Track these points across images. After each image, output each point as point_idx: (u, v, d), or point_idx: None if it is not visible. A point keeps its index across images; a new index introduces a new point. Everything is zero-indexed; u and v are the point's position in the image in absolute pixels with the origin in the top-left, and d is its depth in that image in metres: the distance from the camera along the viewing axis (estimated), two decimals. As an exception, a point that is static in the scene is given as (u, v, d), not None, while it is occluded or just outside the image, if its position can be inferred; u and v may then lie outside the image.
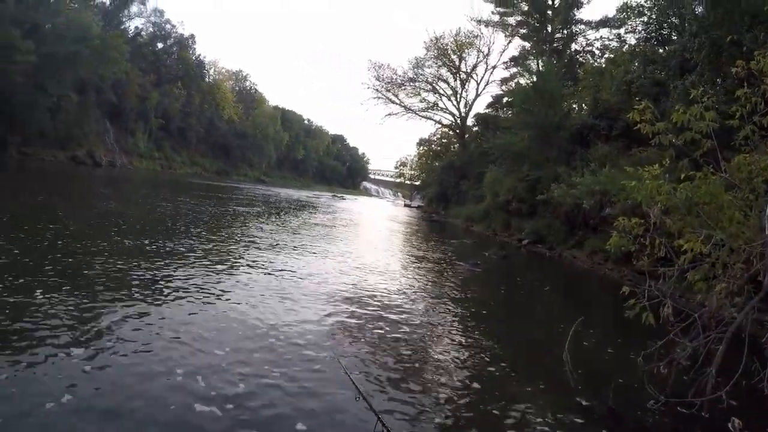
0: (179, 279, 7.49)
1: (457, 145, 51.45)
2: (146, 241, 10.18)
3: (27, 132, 43.89)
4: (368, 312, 7.31)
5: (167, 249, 9.69)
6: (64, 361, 4.22)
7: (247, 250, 11.19)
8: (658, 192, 6.06)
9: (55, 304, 5.55)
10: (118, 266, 7.68)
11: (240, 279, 8.18)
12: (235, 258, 9.98)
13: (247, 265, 9.39)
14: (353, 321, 6.73)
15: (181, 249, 9.91)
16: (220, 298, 6.81)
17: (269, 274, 8.87)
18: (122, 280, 6.96)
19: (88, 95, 51.92)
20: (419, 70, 51.86)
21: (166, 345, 4.91)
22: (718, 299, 5.15)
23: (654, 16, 25.26)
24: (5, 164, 33.85)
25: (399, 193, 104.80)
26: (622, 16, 30.82)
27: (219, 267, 8.80)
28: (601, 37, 37.24)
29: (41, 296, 5.71)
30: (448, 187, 44.13)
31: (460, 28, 49.82)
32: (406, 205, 67.19)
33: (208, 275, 8.00)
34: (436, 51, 50.41)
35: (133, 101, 61.13)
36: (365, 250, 14.79)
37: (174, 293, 6.69)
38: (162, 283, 7.13)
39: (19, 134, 43.16)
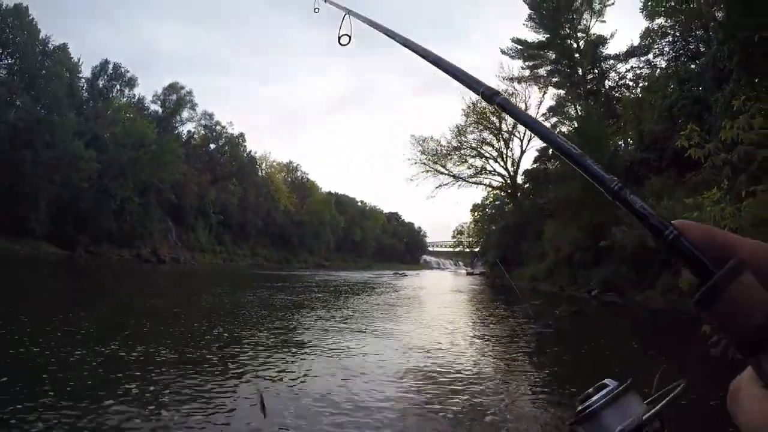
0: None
1: (510, 206, 50.79)
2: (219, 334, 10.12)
3: (94, 233, 47.39)
4: (439, 392, 6.81)
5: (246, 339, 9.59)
6: None
7: (303, 349, 10.94)
8: (722, 216, 5.54)
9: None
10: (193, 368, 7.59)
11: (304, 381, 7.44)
12: (291, 358, 9.69)
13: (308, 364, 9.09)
14: (425, 403, 6.29)
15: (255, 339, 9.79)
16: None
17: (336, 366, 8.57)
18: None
19: (150, 196, 56.16)
20: (462, 138, 52.39)
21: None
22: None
23: (678, 34, 24.94)
24: (75, 264, 35.74)
25: (460, 262, 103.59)
26: (647, 41, 30.61)
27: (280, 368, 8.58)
28: (632, 68, 36.73)
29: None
30: (507, 249, 43.20)
31: (495, 89, 50.24)
32: (468, 274, 65.81)
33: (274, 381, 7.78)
34: (475, 116, 50.94)
35: (192, 199, 64.82)
36: (431, 326, 14.04)
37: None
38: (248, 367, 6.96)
39: (88, 235, 47.05)
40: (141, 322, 11.82)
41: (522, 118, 0.65)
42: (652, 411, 0.52)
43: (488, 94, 0.69)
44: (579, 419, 0.54)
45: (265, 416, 4.66)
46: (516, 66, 45.65)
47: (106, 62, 62.32)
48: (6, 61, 47.44)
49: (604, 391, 0.55)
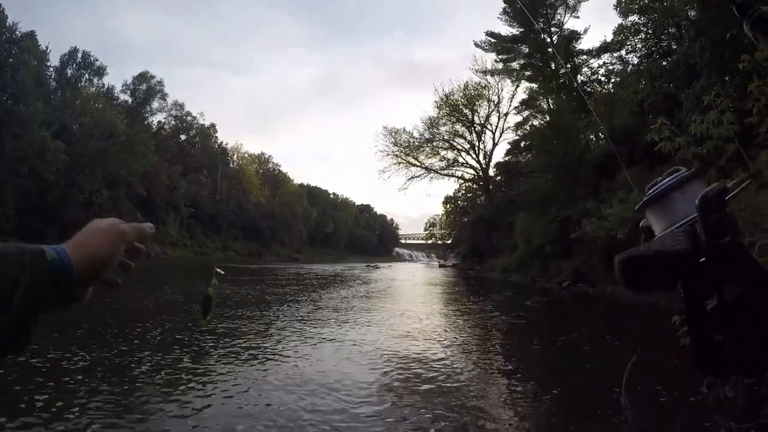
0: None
1: (482, 198, 51.23)
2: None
3: (62, 227, 46.02)
4: (411, 388, 6.63)
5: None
6: None
7: (278, 342, 10.90)
8: (691, 209, 5.67)
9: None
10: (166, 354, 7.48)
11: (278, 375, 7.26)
12: (266, 355, 9.67)
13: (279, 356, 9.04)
14: (395, 400, 6.14)
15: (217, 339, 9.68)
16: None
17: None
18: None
19: (119, 189, 55.04)
20: (434, 130, 52.66)
21: None
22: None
23: (651, 31, 25.45)
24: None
25: (432, 254, 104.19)
26: (620, 38, 31.21)
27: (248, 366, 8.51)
28: (604, 63, 37.28)
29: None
30: (480, 241, 43.63)
31: (467, 81, 50.55)
32: (441, 266, 66.00)
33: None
34: (447, 108, 51.23)
35: (162, 192, 63.63)
36: (402, 318, 13.73)
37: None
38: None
39: (56, 229, 45.47)
40: (75, 325, 9.88)
41: None
42: (735, 180, 0.55)
43: None
44: (647, 201, 0.56)
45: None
46: (489, 59, 45.90)
47: (75, 50, 60.55)
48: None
49: (674, 175, 0.56)
